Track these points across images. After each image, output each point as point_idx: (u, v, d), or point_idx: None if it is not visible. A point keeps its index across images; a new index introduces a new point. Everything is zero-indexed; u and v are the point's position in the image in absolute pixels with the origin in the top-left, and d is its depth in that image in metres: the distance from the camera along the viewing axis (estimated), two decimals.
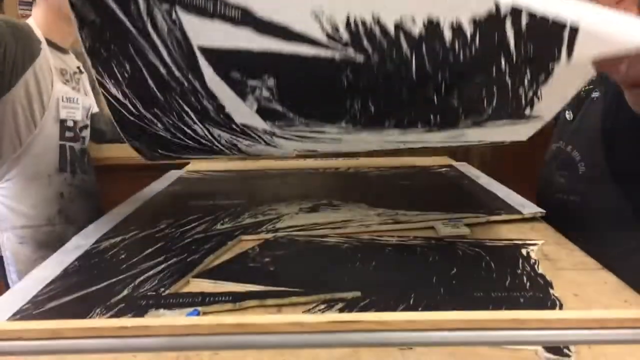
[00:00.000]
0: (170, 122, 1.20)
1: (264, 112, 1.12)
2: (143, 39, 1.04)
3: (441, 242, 1.19)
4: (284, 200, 1.58)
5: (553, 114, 1.11)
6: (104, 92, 1.16)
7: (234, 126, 1.19)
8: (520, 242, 1.19)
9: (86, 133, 1.61)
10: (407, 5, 0.93)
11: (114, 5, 1.01)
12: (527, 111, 1.09)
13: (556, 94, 1.02)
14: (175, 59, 1.06)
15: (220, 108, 1.13)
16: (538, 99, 1.04)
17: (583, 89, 1.47)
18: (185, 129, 1.23)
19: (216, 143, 1.28)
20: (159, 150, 1.35)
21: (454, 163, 2.16)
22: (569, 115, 1.50)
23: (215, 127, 1.21)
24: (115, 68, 1.10)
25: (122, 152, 2.80)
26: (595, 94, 1.43)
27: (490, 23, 0.90)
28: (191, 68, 1.06)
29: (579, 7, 0.88)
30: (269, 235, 1.26)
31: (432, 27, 0.92)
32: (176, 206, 1.55)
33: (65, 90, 1.50)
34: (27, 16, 2.40)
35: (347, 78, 1.02)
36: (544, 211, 1.39)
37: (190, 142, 1.28)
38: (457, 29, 0.92)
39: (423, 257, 1.10)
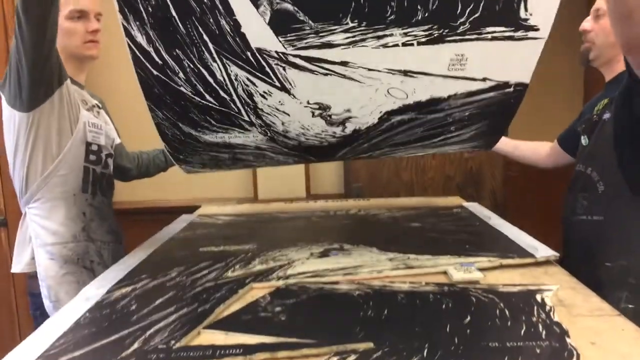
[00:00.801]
0: (191, 66, 1.29)
1: (276, 21, 1.20)
2: None
3: (454, 288, 1.18)
4: (294, 245, 1.57)
5: (549, 24, 1.21)
6: (130, 43, 1.25)
7: (249, 54, 1.27)
8: (534, 287, 1.17)
9: (110, 161, 1.69)
10: None
11: None
12: (522, 12, 1.20)
13: None
14: None
15: (236, 26, 1.21)
16: None
17: (595, 113, 1.59)
18: (205, 73, 1.31)
19: (234, 95, 1.36)
20: (181, 126, 1.44)
21: (465, 203, 2.15)
22: (584, 140, 1.61)
23: (232, 61, 1.29)
24: (140, 5, 1.18)
25: (136, 196, 2.83)
26: (606, 116, 1.52)
27: None
28: None
29: None
30: (280, 283, 1.25)
31: None
32: (187, 252, 1.55)
33: (90, 116, 1.59)
34: None
35: None
36: (557, 254, 1.38)
37: (208, 96, 1.36)
38: None
39: (436, 305, 1.09)
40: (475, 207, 2.04)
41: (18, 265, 1.57)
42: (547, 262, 1.35)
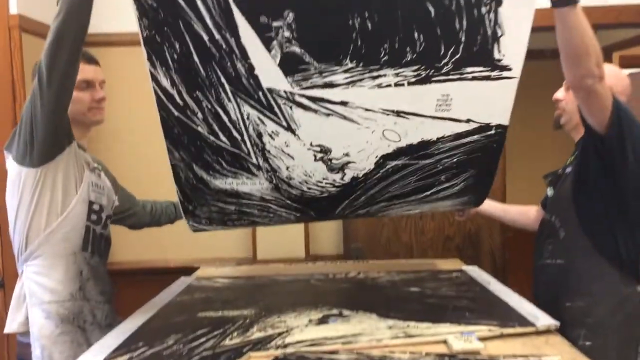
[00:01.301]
0: (209, 106, 1.46)
1: (285, 63, 1.38)
2: (189, 8, 1.31)
3: (454, 359, 1.17)
4: (293, 310, 1.56)
5: (520, 64, 1.40)
6: (156, 87, 1.41)
7: (260, 94, 1.45)
8: (535, 358, 1.16)
9: (108, 222, 1.72)
10: None
11: None
12: (496, 53, 1.39)
13: (514, 21, 1.33)
14: (216, 21, 1.33)
15: (250, 68, 1.40)
16: (500, 30, 1.36)
17: (562, 168, 1.81)
18: (221, 112, 1.47)
19: (245, 134, 1.52)
20: (195, 168, 1.58)
21: (464, 267, 2.15)
22: (550, 191, 1.83)
23: (245, 101, 1.46)
24: (166, 52, 1.37)
25: (134, 256, 2.82)
26: (568, 170, 1.75)
27: None
28: (228, 25, 1.34)
29: None
30: (278, 352, 1.24)
31: None
32: (185, 318, 1.54)
33: (93, 177, 1.64)
34: None
35: None
36: (558, 323, 1.37)
37: (222, 136, 1.52)
38: None
39: None
40: (474, 271, 2.04)
41: (12, 324, 1.55)
42: (548, 331, 1.34)
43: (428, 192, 1.73)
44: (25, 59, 2.33)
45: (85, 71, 1.57)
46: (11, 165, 1.52)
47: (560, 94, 1.79)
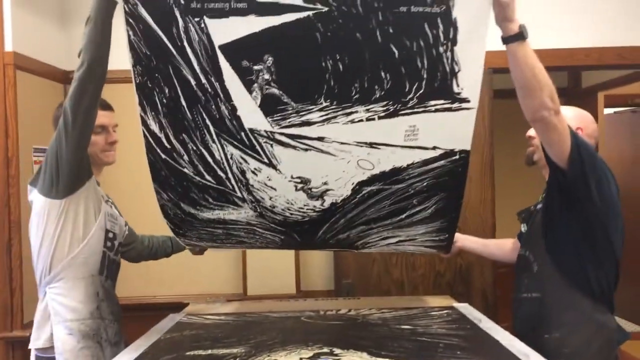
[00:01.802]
0: (194, 148, 1.59)
1: (265, 104, 1.51)
2: (179, 55, 1.47)
3: None
4: (284, 349, 1.55)
5: (476, 96, 1.50)
6: (145, 131, 1.56)
7: (243, 134, 1.57)
8: None
9: (120, 249, 1.90)
10: None
11: (161, 34, 1.46)
12: (455, 87, 1.51)
13: (470, 54, 1.46)
14: (203, 66, 1.48)
15: (233, 110, 1.53)
16: (458, 66, 1.48)
17: (534, 204, 1.90)
18: (205, 153, 1.60)
19: (229, 173, 1.64)
20: (182, 206, 1.71)
21: (456, 304, 2.14)
22: (524, 227, 1.91)
23: (229, 142, 1.59)
24: (156, 97, 1.52)
25: (122, 292, 2.79)
26: (539, 206, 1.83)
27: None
28: (214, 69, 1.48)
29: None
30: None
31: None
32: (174, 356, 1.52)
33: (108, 208, 1.83)
34: (40, 162, 2.52)
35: (319, 32, 1.45)
36: None
37: (207, 176, 1.65)
38: None
39: None
40: (466, 309, 2.04)
41: (38, 341, 1.71)
42: None
43: (402, 216, 1.81)
44: (19, 95, 2.35)
45: (100, 116, 1.72)
46: (37, 198, 1.69)
47: (532, 131, 1.83)
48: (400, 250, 2.07)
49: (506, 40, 1.49)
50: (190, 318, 2.04)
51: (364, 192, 1.72)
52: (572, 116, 1.78)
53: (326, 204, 1.76)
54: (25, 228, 2.37)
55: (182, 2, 1.45)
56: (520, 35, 1.48)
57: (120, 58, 2.53)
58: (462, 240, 2.14)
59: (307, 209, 1.78)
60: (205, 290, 2.95)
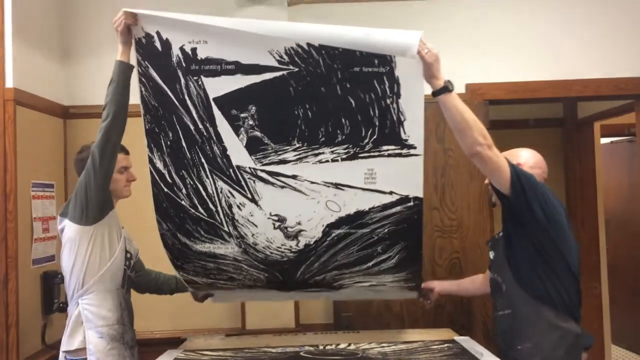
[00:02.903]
0: (191, 183, 1.93)
1: (250, 145, 1.87)
2: (181, 106, 1.85)
3: None
4: None
5: (421, 144, 1.82)
6: (152, 168, 1.92)
7: (231, 171, 1.91)
8: None
9: (133, 268, 2.14)
10: None
11: (167, 89, 1.84)
12: (402, 133, 1.83)
13: (410, 105, 1.79)
14: (200, 114, 1.85)
15: (224, 150, 1.88)
16: (403, 116, 1.81)
17: (497, 234, 2.13)
18: (200, 187, 1.93)
19: (218, 206, 1.95)
20: (179, 236, 2.01)
21: (457, 337, 2.12)
22: (492, 254, 2.12)
23: (219, 177, 1.92)
24: (162, 140, 1.89)
25: None
26: (501, 233, 2.05)
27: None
28: (208, 117, 1.85)
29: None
30: None
31: None
32: None
33: (124, 233, 2.10)
34: (39, 197, 2.52)
35: (292, 87, 1.82)
36: None
37: (200, 208, 1.96)
38: None
39: None
40: (467, 342, 2.02)
41: (71, 345, 1.96)
42: None
43: (370, 264, 2.04)
44: (18, 130, 2.36)
45: (122, 159, 2.07)
46: (68, 226, 1.98)
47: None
48: (377, 295, 2.24)
49: (435, 93, 1.76)
50: (188, 354, 2.02)
51: (333, 235, 1.99)
52: (510, 155, 1.98)
53: (300, 245, 2.01)
54: (22, 263, 2.37)
55: (184, 64, 1.82)
56: (446, 89, 1.75)
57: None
58: (438, 285, 2.28)
59: (285, 249, 2.03)
60: (203, 325, 2.91)
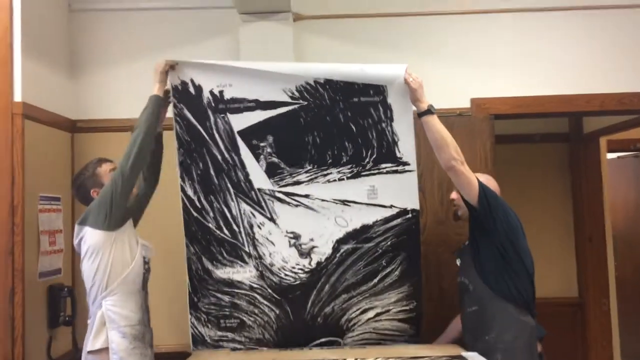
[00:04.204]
0: (218, 206, 2.26)
1: (269, 169, 2.24)
2: (210, 139, 2.24)
3: None
4: None
5: (414, 161, 2.23)
6: (183, 195, 2.26)
7: (253, 193, 2.26)
8: None
9: (149, 270, 2.26)
10: None
11: (199, 126, 2.24)
12: (397, 152, 2.21)
13: (403, 127, 2.19)
14: (226, 145, 2.24)
15: (246, 175, 2.25)
16: (397, 137, 2.21)
17: (463, 244, 2.43)
18: (225, 210, 2.26)
19: (241, 226, 2.27)
20: (203, 260, 2.29)
21: (464, 353, 2.10)
22: (459, 261, 2.39)
23: (242, 199, 2.25)
24: (193, 170, 2.25)
25: None
26: (467, 243, 2.35)
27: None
28: (233, 147, 2.24)
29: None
30: None
31: None
32: None
33: (140, 239, 2.21)
34: (45, 211, 2.53)
35: (302, 118, 2.22)
36: None
37: (225, 229, 2.27)
38: None
39: None
40: (474, 358, 1.99)
41: (95, 344, 2.05)
42: None
43: (375, 280, 2.30)
44: (26, 144, 2.37)
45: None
46: (90, 233, 2.07)
47: (454, 194, 2.34)
48: (380, 336, 2.37)
49: (420, 114, 2.12)
50: None
51: (342, 250, 2.27)
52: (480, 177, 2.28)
53: (313, 263, 2.27)
54: (29, 276, 2.37)
55: (213, 104, 2.22)
56: (429, 111, 2.11)
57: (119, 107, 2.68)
58: (449, 337, 2.46)
59: (298, 269, 2.28)
60: None
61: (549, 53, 2.90)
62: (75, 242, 2.13)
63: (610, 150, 4.24)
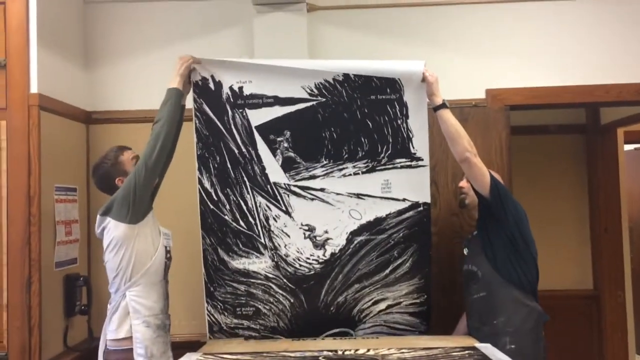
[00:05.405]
0: (234, 199, 2.30)
1: (285, 164, 2.29)
2: (228, 134, 2.29)
3: None
4: None
5: (427, 156, 2.30)
6: (200, 188, 2.30)
7: (269, 187, 2.29)
8: None
9: (170, 259, 2.28)
10: None
11: (217, 121, 2.28)
12: (411, 148, 2.29)
13: (417, 125, 2.28)
14: (243, 139, 2.29)
15: (263, 169, 2.29)
16: (411, 134, 2.29)
17: (470, 234, 2.52)
18: (242, 203, 2.30)
19: (257, 218, 2.30)
20: (219, 251, 2.33)
21: (477, 344, 2.10)
22: (466, 250, 2.47)
23: (258, 192, 2.29)
24: (210, 163, 2.30)
25: None
26: (475, 233, 2.44)
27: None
28: (250, 141, 2.29)
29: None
30: None
31: None
32: None
33: (164, 230, 2.25)
34: (62, 201, 2.55)
35: (320, 114, 2.28)
36: None
37: (241, 221, 2.31)
38: None
39: None
40: (487, 349, 1.99)
41: (119, 333, 2.10)
42: None
43: (387, 270, 2.34)
44: (42, 135, 2.40)
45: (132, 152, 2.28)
46: (112, 225, 2.09)
47: (463, 182, 2.45)
48: (391, 329, 2.41)
49: (435, 108, 2.24)
50: (207, 357, 2.02)
51: (355, 242, 2.32)
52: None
53: (327, 254, 2.32)
54: (45, 266, 2.40)
55: (232, 100, 2.27)
56: (444, 105, 2.23)
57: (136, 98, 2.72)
58: (460, 332, 2.48)
59: (312, 259, 2.32)
60: None
61: (565, 43, 2.86)
62: (98, 231, 2.16)
63: (628, 142, 4.19)
